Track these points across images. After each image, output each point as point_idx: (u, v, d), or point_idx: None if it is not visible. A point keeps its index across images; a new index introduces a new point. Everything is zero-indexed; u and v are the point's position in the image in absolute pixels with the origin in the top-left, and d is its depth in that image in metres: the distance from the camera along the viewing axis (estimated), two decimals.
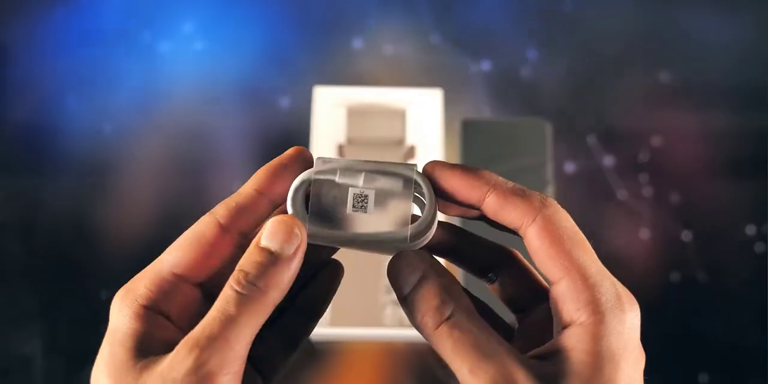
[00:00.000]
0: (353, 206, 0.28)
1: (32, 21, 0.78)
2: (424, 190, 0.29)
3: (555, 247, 0.27)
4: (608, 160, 0.74)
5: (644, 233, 0.72)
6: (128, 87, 0.77)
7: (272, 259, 0.27)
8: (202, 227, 0.29)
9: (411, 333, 0.63)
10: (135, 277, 0.28)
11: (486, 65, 0.76)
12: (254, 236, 0.28)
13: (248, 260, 0.27)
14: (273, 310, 0.28)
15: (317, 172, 0.29)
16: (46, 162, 0.74)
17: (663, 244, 0.72)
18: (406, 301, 0.28)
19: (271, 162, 0.29)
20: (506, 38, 0.78)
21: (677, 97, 0.76)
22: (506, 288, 0.31)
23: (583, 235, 0.28)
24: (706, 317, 0.71)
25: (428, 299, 0.27)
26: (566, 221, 0.27)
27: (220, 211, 0.29)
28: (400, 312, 0.67)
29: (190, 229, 0.29)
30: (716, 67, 0.78)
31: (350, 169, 0.28)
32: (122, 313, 0.27)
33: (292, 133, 0.74)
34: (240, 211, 0.28)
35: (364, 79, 0.76)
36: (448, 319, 0.27)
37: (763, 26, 0.79)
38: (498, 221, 0.28)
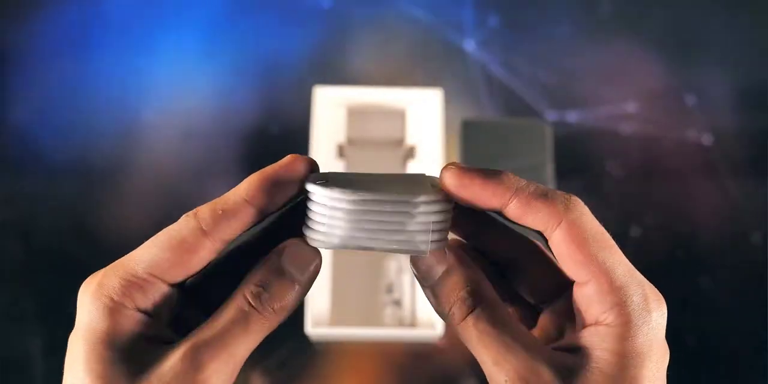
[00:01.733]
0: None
1: (32, 22, 0.78)
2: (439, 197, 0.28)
3: (582, 252, 0.27)
4: (609, 164, 0.74)
5: (635, 231, 0.72)
6: (128, 88, 0.77)
7: (290, 284, 0.27)
8: (185, 232, 0.27)
9: (411, 333, 0.63)
10: (104, 271, 0.27)
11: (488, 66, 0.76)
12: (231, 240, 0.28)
13: (265, 277, 0.27)
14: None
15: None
16: (46, 162, 0.74)
17: (663, 245, 0.72)
18: (433, 290, 0.28)
19: (264, 170, 0.28)
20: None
21: (677, 98, 0.76)
22: (528, 280, 0.30)
23: (609, 236, 0.27)
24: (706, 318, 0.71)
25: (455, 290, 0.27)
26: (591, 223, 0.27)
27: (204, 215, 0.27)
28: (400, 312, 0.67)
29: (170, 229, 0.27)
30: (716, 67, 0.78)
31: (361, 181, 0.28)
32: (99, 310, 0.26)
33: (293, 134, 0.74)
34: (225, 219, 0.27)
35: (364, 79, 0.76)
36: (473, 310, 0.27)
37: (764, 26, 0.79)
38: (521, 225, 0.28)
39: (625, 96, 0.77)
